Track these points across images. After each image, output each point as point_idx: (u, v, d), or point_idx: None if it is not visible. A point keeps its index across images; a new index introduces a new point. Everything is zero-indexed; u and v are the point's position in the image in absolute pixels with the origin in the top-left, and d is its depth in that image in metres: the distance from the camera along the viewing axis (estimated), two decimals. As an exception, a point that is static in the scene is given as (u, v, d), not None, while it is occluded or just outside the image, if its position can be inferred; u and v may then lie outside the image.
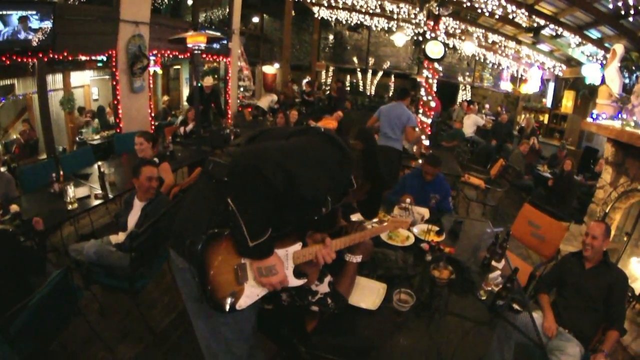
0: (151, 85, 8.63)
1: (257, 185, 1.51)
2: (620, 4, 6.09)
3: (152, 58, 8.34)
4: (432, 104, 8.25)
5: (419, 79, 10.57)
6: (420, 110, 8.30)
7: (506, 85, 15.33)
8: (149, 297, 4.13)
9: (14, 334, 2.49)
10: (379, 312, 2.30)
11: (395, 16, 13.78)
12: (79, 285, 3.41)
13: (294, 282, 1.87)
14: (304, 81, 16.10)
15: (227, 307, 1.71)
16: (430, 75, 8.10)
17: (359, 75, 18.23)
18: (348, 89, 17.58)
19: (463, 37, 13.08)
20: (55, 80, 8.98)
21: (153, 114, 8.75)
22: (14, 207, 3.75)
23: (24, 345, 2.60)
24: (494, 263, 2.92)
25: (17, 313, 2.49)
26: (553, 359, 2.82)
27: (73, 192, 4.16)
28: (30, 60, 6.19)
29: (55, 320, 2.91)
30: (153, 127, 8.60)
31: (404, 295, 2.25)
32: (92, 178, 5.06)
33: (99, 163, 5.40)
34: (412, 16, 12.75)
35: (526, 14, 8.58)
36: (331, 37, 18.22)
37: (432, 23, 8.01)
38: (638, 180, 4.75)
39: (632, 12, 6.17)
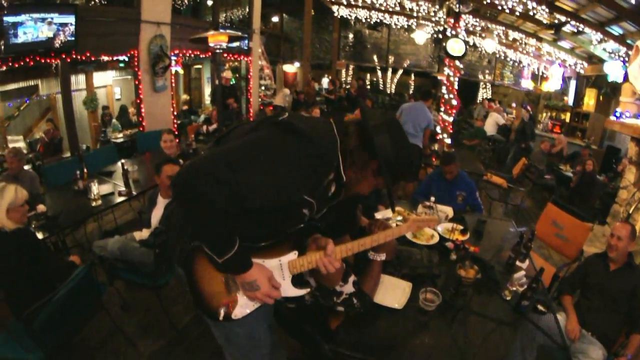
0: (173, 85, 8.72)
1: (198, 203, 1.36)
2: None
3: (173, 58, 8.43)
4: (454, 102, 8.19)
5: (439, 77, 10.48)
6: (442, 109, 8.24)
7: (527, 83, 15.12)
8: (171, 293, 4.15)
9: (38, 328, 2.54)
10: (403, 311, 2.28)
11: (414, 14, 13.68)
12: (102, 280, 3.45)
13: (293, 292, 1.75)
14: (326, 80, 16.08)
15: (221, 317, 1.66)
16: (451, 73, 8.04)
17: (379, 73, 18.14)
18: (368, 87, 17.51)
19: (483, 35, 12.94)
20: (78, 81, 9.13)
21: (175, 113, 8.84)
22: (41, 207, 3.84)
23: (47, 339, 2.65)
24: (518, 263, 2.87)
25: (41, 308, 2.54)
26: (576, 362, 2.78)
27: (97, 189, 4.24)
28: (53, 61, 6.30)
29: (78, 314, 2.97)
30: (176, 126, 8.69)
31: (430, 294, 2.22)
32: (115, 175, 5.14)
33: (123, 161, 5.47)
34: (432, 14, 12.66)
35: (547, 10, 8.44)
36: (351, 35, 18.15)
37: (452, 20, 7.96)
38: (664, 180, 4.63)
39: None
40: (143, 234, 3.76)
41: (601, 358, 2.79)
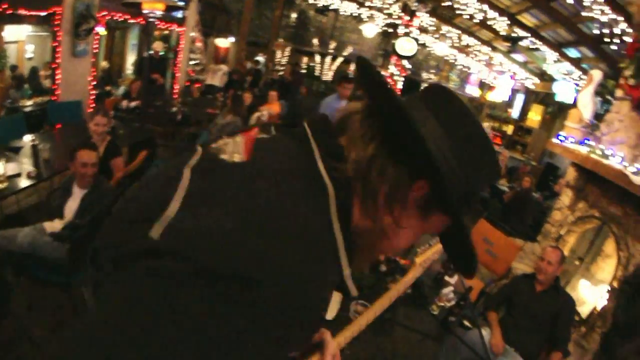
0: (96, 51, 8.46)
1: None
2: (606, 30, 6.60)
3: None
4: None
5: (382, 73, 10.79)
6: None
7: (472, 90, 15.87)
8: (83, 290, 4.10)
9: None
10: (333, 320, 2.51)
11: (366, 3, 13.97)
12: (9, 280, 3.36)
13: None
14: (262, 59, 16.14)
15: None
16: (397, 72, 8.37)
17: (317, 58, 18.25)
18: (304, 71, 17.58)
19: (436, 36, 13.45)
20: (-16, 34, 8.62)
21: (94, 83, 8.58)
22: None
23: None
24: (446, 278, 3.20)
25: None
26: (498, 376, 3.15)
27: (3, 169, 4.04)
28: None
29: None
30: (93, 97, 8.43)
31: (361, 307, 2.48)
32: (23, 152, 4.88)
33: (32, 136, 5.28)
34: (386, 5, 13.00)
35: (507, 22, 8.96)
36: (294, 15, 18.25)
37: (407, 18, 8.29)
38: (596, 207, 5.16)
39: (615, 40, 6.65)
40: (55, 225, 3.60)
41: (523, 372, 3.19)
